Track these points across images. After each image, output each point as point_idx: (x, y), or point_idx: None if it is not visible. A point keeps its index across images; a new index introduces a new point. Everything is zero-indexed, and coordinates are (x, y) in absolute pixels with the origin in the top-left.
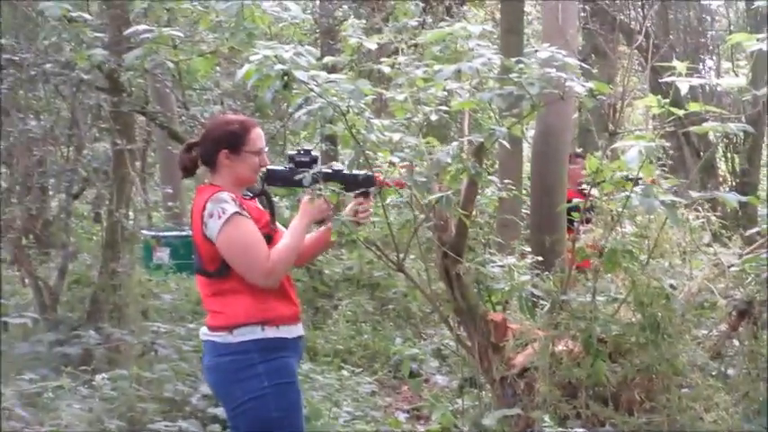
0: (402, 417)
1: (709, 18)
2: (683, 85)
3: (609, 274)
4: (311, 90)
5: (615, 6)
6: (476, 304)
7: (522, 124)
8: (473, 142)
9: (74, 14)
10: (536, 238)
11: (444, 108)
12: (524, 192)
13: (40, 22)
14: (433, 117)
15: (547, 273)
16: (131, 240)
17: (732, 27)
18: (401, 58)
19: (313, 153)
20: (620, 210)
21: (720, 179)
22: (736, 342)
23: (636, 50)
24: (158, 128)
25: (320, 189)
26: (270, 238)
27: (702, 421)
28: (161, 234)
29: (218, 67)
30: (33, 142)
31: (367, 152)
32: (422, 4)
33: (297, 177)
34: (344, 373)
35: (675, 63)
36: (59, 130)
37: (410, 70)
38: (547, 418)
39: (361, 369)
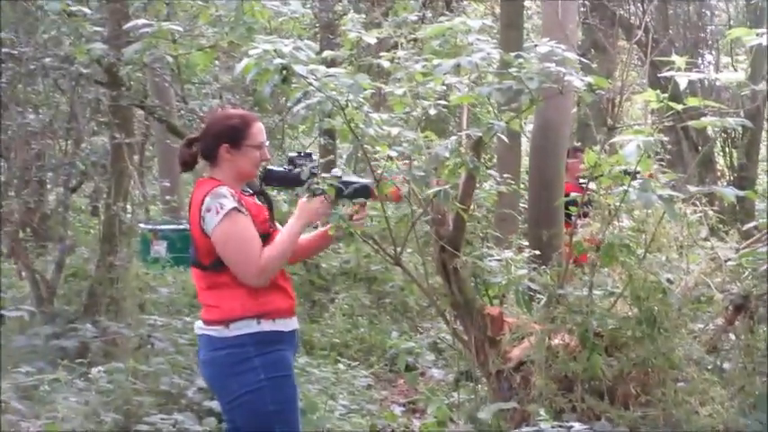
0: (398, 410)
1: (708, 13)
2: (682, 80)
3: (606, 269)
4: (310, 84)
5: (615, 1)
6: (472, 298)
7: (520, 119)
8: (471, 136)
9: (73, 8)
10: (534, 233)
11: (443, 102)
12: (522, 186)
13: (40, 16)
14: (432, 111)
15: (544, 267)
16: (129, 234)
17: (731, 22)
18: (400, 53)
19: (313, 156)
20: (617, 204)
21: (718, 174)
22: (732, 336)
23: (635, 45)
24: (157, 122)
25: (318, 184)
26: (267, 236)
27: (698, 415)
28: (158, 227)
29: (217, 62)
30: (32, 136)
31: (365, 146)
32: None
33: (294, 171)
34: (341, 366)
35: (674, 58)
36: (58, 124)
37: (409, 65)
38: (543, 411)
39: (357, 362)
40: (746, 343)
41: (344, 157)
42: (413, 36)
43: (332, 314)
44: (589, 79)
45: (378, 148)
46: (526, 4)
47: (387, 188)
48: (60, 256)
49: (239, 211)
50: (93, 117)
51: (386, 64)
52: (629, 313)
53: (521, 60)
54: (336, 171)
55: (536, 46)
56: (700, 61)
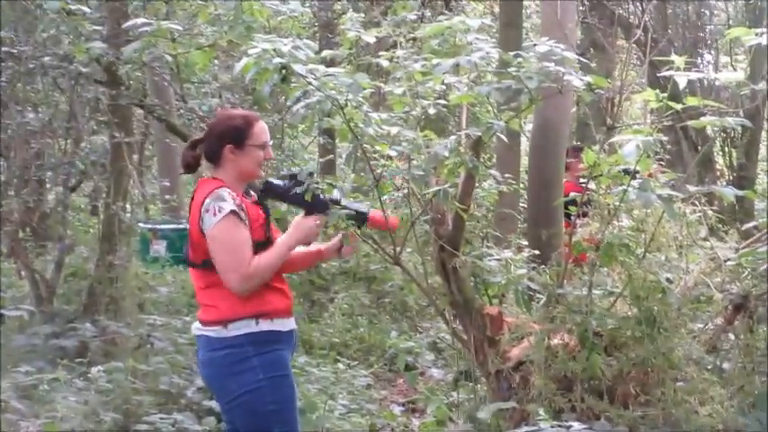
0: (397, 410)
1: (707, 12)
2: (682, 80)
3: (605, 268)
4: (309, 83)
5: (613, 0)
6: (472, 298)
7: (520, 118)
8: (471, 136)
9: (72, 7)
10: (533, 232)
11: (442, 102)
12: (522, 185)
13: (39, 15)
14: (431, 111)
15: (543, 266)
16: (128, 233)
17: (731, 21)
18: (399, 52)
19: (315, 175)
20: (616, 203)
21: (718, 173)
22: (731, 336)
23: (634, 44)
24: (156, 121)
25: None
26: (264, 243)
27: (697, 415)
28: (158, 227)
29: (216, 61)
30: (31, 135)
31: (365, 145)
32: None
33: (294, 189)
34: (340, 366)
35: (674, 57)
36: (57, 123)
37: (408, 64)
38: (542, 411)
39: (356, 362)
40: (746, 342)
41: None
42: (412, 35)
43: (331, 314)
44: (588, 79)
45: (377, 147)
46: (525, 3)
47: (386, 188)
48: (60, 255)
49: (237, 215)
50: (93, 116)
51: (385, 63)
52: (629, 313)
53: (520, 60)
54: (336, 194)
55: (535, 45)
56: (699, 61)
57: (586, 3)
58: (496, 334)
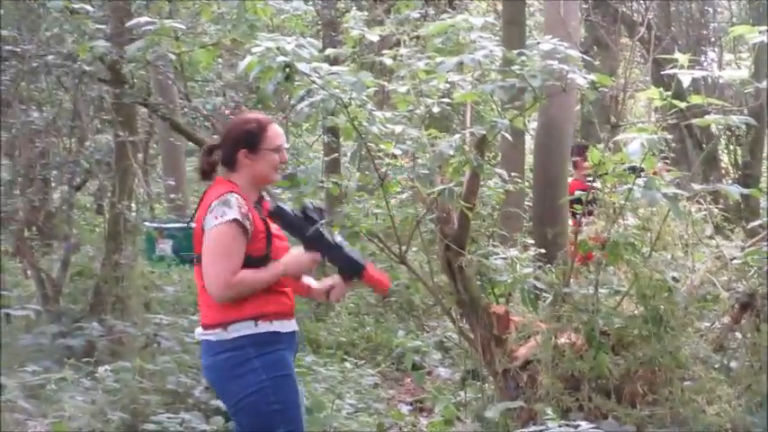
0: (405, 409)
1: (711, 10)
2: (686, 78)
3: (611, 267)
4: (313, 82)
5: None
6: (478, 296)
7: (524, 116)
8: (475, 134)
9: (76, 6)
10: (538, 231)
11: (446, 100)
12: (527, 184)
13: (43, 14)
14: (436, 109)
15: (549, 265)
16: (134, 232)
17: (734, 19)
18: (403, 50)
19: (325, 214)
20: (622, 202)
21: (723, 171)
22: (738, 335)
23: (638, 42)
24: (160, 119)
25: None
26: (262, 259)
27: (705, 414)
28: (163, 226)
29: (220, 59)
30: (36, 134)
31: (369, 144)
32: None
33: (301, 223)
34: (347, 365)
35: (677, 55)
36: (62, 122)
37: (412, 62)
38: (549, 410)
39: (363, 361)
40: (752, 341)
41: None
42: (415, 33)
43: (338, 313)
44: (592, 77)
45: (382, 145)
46: (528, 1)
47: (392, 187)
48: (65, 254)
49: (239, 224)
50: (97, 115)
51: (389, 62)
52: (636, 312)
53: (523, 58)
54: (339, 238)
55: (538, 43)
56: (703, 59)
57: (590, 1)
58: (503, 333)
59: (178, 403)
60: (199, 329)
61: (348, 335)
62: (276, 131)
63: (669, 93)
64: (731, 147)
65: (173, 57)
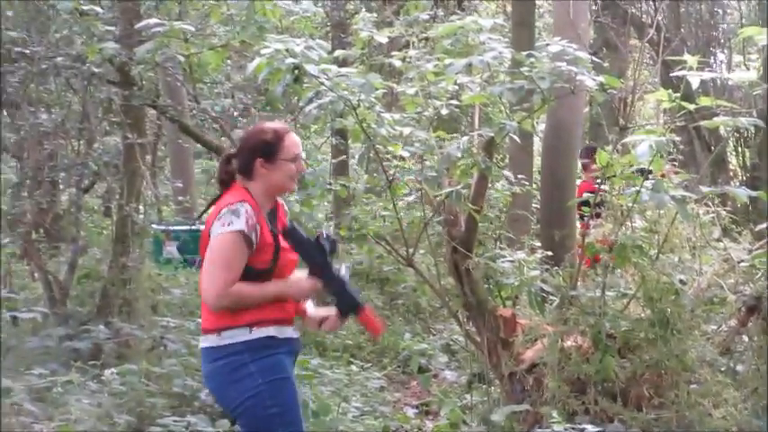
0: (411, 412)
1: (720, 11)
2: (694, 80)
3: (618, 270)
4: (322, 84)
5: (626, 0)
6: (485, 299)
7: (532, 118)
8: (483, 136)
9: (85, 8)
10: (546, 233)
11: (455, 102)
12: (534, 186)
13: (52, 16)
14: (444, 111)
15: (557, 268)
16: (141, 234)
17: (744, 20)
18: (412, 52)
19: (337, 246)
20: (630, 204)
21: (731, 174)
22: (745, 338)
23: (647, 44)
24: (169, 121)
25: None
26: (265, 272)
27: (711, 417)
28: (171, 228)
29: (228, 61)
30: (44, 136)
31: (377, 146)
32: None
33: (312, 248)
34: (353, 368)
35: (687, 57)
36: (70, 124)
37: (421, 64)
38: (555, 413)
39: (370, 364)
40: (759, 345)
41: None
42: (424, 35)
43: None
44: (601, 78)
45: (390, 147)
46: (537, 2)
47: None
48: (73, 256)
49: (244, 235)
50: (106, 117)
51: (397, 63)
52: (642, 315)
53: (532, 60)
54: (344, 272)
55: (548, 45)
56: (712, 60)
57: (599, 2)
58: (510, 336)
59: (184, 406)
60: (201, 337)
61: (354, 338)
62: (293, 141)
63: (678, 95)
64: (740, 149)
65: (182, 59)
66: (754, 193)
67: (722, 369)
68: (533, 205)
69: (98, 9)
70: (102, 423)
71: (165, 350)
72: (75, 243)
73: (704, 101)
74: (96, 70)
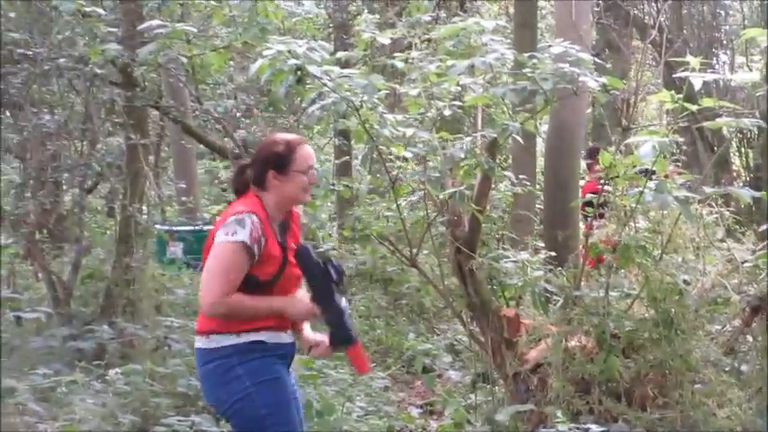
0: (415, 412)
1: (723, 13)
2: (697, 81)
3: (622, 270)
4: (324, 85)
5: (629, 1)
6: (489, 300)
7: (535, 119)
8: (486, 137)
9: (87, 9)
10: (549, 233)
11: (458, 103)
12: (538, 187)
13: (54, 17)
14: (447, 112)
15: (560, 268)
16: (145, 235)
17: (746, 22)
18: (414, 54)
19: (344, 277)
20: (633, 205)
21: (734, 174)
22: (749, 338)
23: (649, 45)
24: (172, 122)
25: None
26: (267, 284)
27: (715, 417)
28: (174, 228)
29: (231, 62)
30: (47, 137)
31: (380, 147)
32: None
33: (319, 271)
34: None
35: (689, 58)
36: (73, 125)
37: (423, 65)
38: (560, 413)
39: (374, 364)
40: (764, 344)
41: (359, 157)
42: (427, 36)
43: (349, 316)
44: (603, 80)
45: (393, 148)
46: (540, 3)
47: (402, 190)
48: (76, 257)
49: (246, 247)
50: (108, 117)
51: (400, 64)
52: (646, 315)
53: (535, 61)
54: (344, 304)
55: (550, 46)
56: (714, 61)
57: (601, 3)
58: (514, 336)
59: (188, 406)
60: None
61: (359, 337)
62: (306, 153)
63: (681, 96)
64: (743, 149)
65: (184, 60)
66: (757, 194)
67: (726, 369)
68: (537, 206)
69: (100, 11)
70: (106, 423)
71: (169, 350)
72: (79, 243)
73: (707, 102)
74: (99, 71)
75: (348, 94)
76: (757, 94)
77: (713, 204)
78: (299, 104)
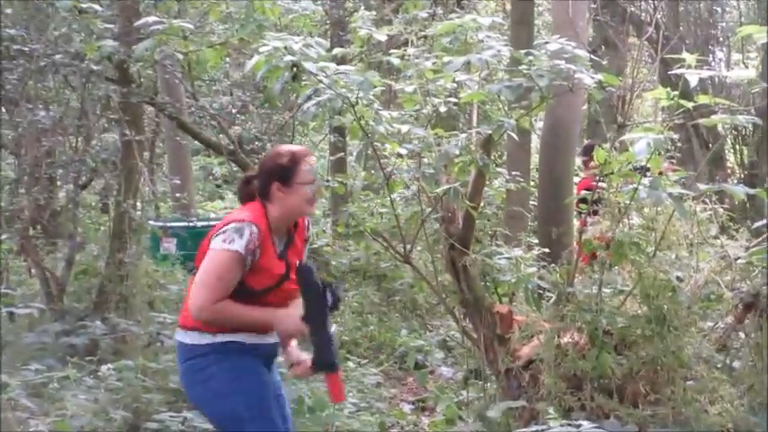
0: (407, 408)
1: (719, 10)
2: (693, 77)
3: (615, 266)
4: (320, 81)
5: None
6: (482, 296)
7: (530, 116)
8: (481, 134)
9: (84, 5)
10: (543, 230)
11: (453, 100)
12: (532, 183)
13: (51, 13)
14: (442, 109)
15: (553, 264)
16: (139, 231)
17: (743, 19)
18: (411, 50)
19: (340, 304)
20: (627, 202)
21: (729, 171)
22: (741, 335)
23: (646, 42)
24: (167, 119)
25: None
26: (260, 293)
27: (707, 413)
28: (168, 224)
29: (227, 59)
30: (42, 133)
31: (375, 143)
32: None
33: (317, 293)
34: (350, 364)
35: (685, 55)
36: (68, 121)
37: (420, 62)
38: (551, 410)
39: (366, 360)
40: (756, 341)
41: (354, 154)
42: (423, 33)
43: (341, 312)
44: (599, 76)
45: (388, 145)
46: (537, 0)
47: (397, 186)
48: (70, 253)
49: (240, 257)
50: (104, 114)
51: (396, 61)
52: (639, 311)
53: (531, 58)
54: (333, 330)
55: (546, 43)
56: (710, 58)
57: (598, 0)
58: (506, 332)
59: (180, 402)
60: None
61: (351, 334)
62: (310, 165)
63: (676, 92)
64: (737, 147)
65: (180, 56)
66: (751, 191)
67: (719, 366)
68: (531, 202)
69: (97, 7)
70: (98, 419)
71: (161, 346)
72: (73, 239)
73: (703, 99)
74: (95, 68)
75: (344, 90)
76: (753, 91)
77: (707, 201)
78: (294, 101)
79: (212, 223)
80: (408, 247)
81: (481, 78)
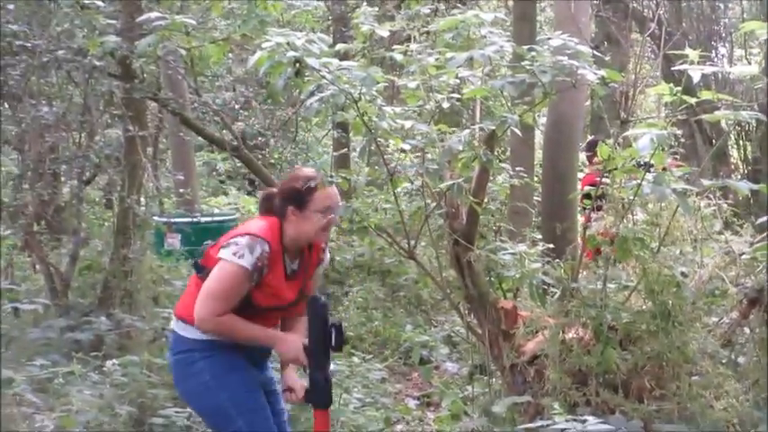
0: (412, 403)
1: (722, 5)
2: (696, 73)
3: (620, 262)
4: (323, 77)
5: None
6: (486, 291)
7: (533, 112)
8: (485, 130)
9: (86, 1)
10: (547, 226)
11: (456, 96)
12: (536, 179)
13: (53, 9)
14: (445, 104)
15: (558, 260)
16: (143, 226)
17: (745, 15)
18: (413, 46)
19: (344, 345)
20: (631, 197)
21: (732, 167)
22: (746, 330)
23: (648, 38)
24: (170, 114)
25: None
26: (264, 310)
27: (712, 409)
28: (172, 220)
29: (230, 54)
30: (45, 128)
31: (378, 139)
32: None
33: (315, 336)
34: (355, 359)
35: (688, 51)
36: (71, 117)
37: (422, 58)
38: (557, 405)
39: (371, 356)
40: (761, 336)
41: (358, 150)
42: (426, 29)
43: (346, 307)
44: (602, 72)
45: (391, 141)
46: None
47: (400, 182)
48: (74, 248)
49: (248, 273)
50: (107, 110)
51: (399, 57)
52: (644, 307)
53: (534, 53)
54: (332, 366)
55: (549, 39)
56: (713, 54)
57: None
58: (511, 328)
59: None
60: None
61: (356, 329)
62: (326, 193)
63: (679, 88)
64: (741, 142)
65: (183, 52)
66: (755, 186)
67: (723, 361)
68: (535, 198)
69: (99, 2)
70: (103, 414)
71: (166, 341)
72: (77, 235)
73: (706, 94)
74: (98, 63)
75: (347, 86)
76: (756, 87)
77: (711, 197)
78: (297, 96)
79: (216, 219)
80: (412, 242)
81: (484, 74)
